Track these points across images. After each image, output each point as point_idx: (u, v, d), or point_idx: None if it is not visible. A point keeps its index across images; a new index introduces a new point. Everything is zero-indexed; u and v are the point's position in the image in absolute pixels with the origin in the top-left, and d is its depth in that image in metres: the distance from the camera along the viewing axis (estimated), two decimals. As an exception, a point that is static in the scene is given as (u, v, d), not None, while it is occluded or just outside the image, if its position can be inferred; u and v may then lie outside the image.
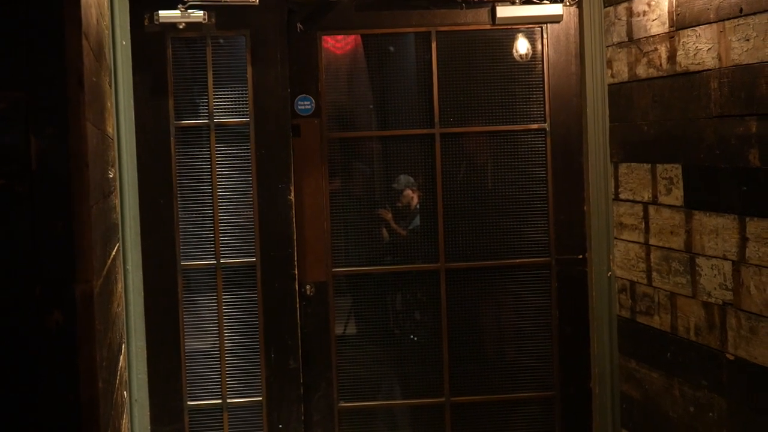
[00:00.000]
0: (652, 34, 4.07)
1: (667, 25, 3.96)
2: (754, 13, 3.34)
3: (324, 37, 4.76)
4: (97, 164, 2.37)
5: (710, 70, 3.64)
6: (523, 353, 4.89)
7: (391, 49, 4.85)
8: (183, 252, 4.65)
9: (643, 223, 4.24)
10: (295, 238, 4.67)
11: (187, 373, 4.68)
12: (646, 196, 4.19)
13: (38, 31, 1.78)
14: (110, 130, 3.43)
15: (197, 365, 4.70)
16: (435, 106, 4.75)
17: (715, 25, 3.59)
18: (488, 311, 4.89)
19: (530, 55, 4.80)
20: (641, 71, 4.20)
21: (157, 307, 4.60)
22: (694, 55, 3.74)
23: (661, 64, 4.01)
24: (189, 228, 4.67)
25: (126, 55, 4.40)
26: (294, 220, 4.67)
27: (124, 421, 3.29)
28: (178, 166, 4.64)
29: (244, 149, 4.67)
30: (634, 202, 4.31)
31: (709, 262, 3.70)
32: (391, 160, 4.84)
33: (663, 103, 4.01)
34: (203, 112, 4.65)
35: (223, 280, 4.68)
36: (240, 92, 4.66)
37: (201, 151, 4.66)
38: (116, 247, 3.41)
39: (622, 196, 4.43)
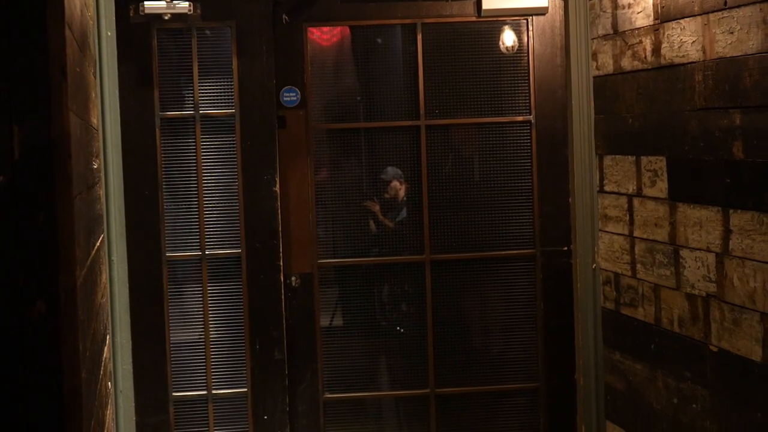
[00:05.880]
0: (637, 26, 4.08)
1: (651, 18, 3.96)
2: (738, 6, 3.35)
3: (310, 29, 4.76)
4: (81, 155, 2.37)
5: (695, 62, 3.65)
6: (509, 345, 4.91)
7: (378, 41, 4.85)
8: (168, 243, 4.65)
9: (628, 215, 4.25)
10: (280, 229, 4.67)
11: (173, 364, 4.68)
12: (631, 188, 4.21)
13: (21, 20, 1.78)
14: (95, 120, 3.42)
15: (182, 356, 4.70)
16: (421, 97, 4.76)
17: (699, 18, 3.60)
18: (474, 303, 4.91)
19: (516, 48, 4.81)
20: (626, 64, 4.21)
21: (142, 298, 4.60)
22: (679, 47, 3.75)
23: (645, 57, 4.02)
24: (174, 219, 4.67)
25: (111, 46, 4.38)
26: (279, 211, 4.67)
27: (109, 412, 3.28)
28: (164, 157, 4.63)
29: (230, 140, 4.66)
30: (618, 194, 4.33)
31: (693, 254, 3.71)
32: (377, 152, 4.85)
33: (647, 95, 4.02)
34: (189, 104, 4.64)
35: (209, 272, 4.68)
36: (226, 83, 4.66)
37: (186, 142, 4.66)
38: (101, 238, 3.40)
39: (606, 188, 4.44)
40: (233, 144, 4.66)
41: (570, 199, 4.75)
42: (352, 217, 4.87)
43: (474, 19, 4.78)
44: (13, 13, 1.77)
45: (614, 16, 4.30)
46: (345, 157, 4.87)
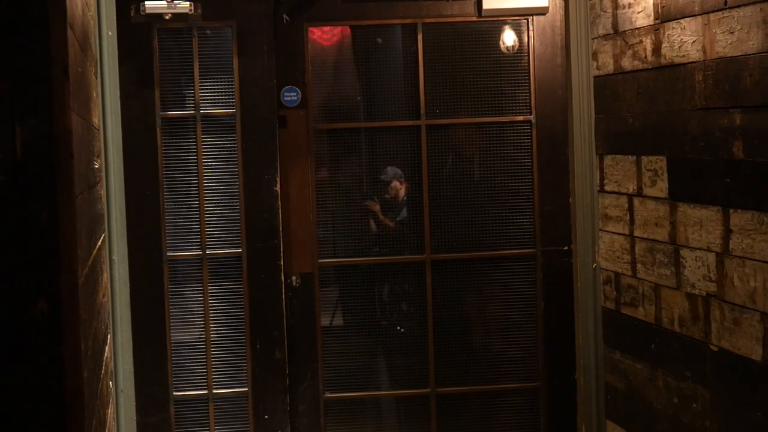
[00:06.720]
0: (638, 26, 4.09)
1: (652, 18, 3.97)
2: (738, 6, 3.35)
3: (310, 29, 4.76)
4: (83, 154, 2.37)
5: (695, 62, 3.65)
6: (509, 344, 4.90)
7: (379, 40, 4.85)
8: (169, 243, 4.65)
9: (628, 215, 4.25)
10: (281, 228, 4.68)
11: (173, 363, 4.68)
12: (631, 188, 4.21)
13: (23, 21, 1.78)
14: (96, 120, 3.43)
15: (183, 356, 4.70)
16: (421, 97, 4.76)
17: (699, 18, 3.61)
18: (474, 303, 4.91)
19: (516, 47, 4.81)
20: (626, 63, 4.21)
21: (143, 297, 4.60)
22: (679, 47, 3.75)
23: (646, 57, 4.03)
24: (175, 219, 4.67)
25: (112, 46, 4.39)
26: (280, 211, 4.67)
27: (110, 411, 3.29)
28: (165, 156, 4.63)
29: (231, 140, 4.66)
30: (618, 194, 4.33)
31: (693, 253, 3.72)
32: (378, 152, 4.85)
33: (648, 95, 4.03)
34: (189, 103, 4.64)
35: (209, 271, 4.68)
36: (226, 83, 4.66)
37: (187, 141, 4.66)
38: (102, 238, 3.41)
39: (607, 187, 4.45)
40: (234, 144, 4.66)
41: (570, 199, 4.75)
42: (352, 217, 4.87)
43: (474, 18, 4.78)
44: (15, 13, 1.78)
45: (614, 16, 4.30)
46: (345, 156, 4.87)
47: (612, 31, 4.33)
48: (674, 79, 3.81)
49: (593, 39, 4.54)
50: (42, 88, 1.79)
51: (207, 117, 4.65)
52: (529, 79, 4.79)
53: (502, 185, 4.82)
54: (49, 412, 1.81)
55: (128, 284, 4.51)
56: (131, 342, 4.52)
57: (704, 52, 3.59)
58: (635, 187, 4.17)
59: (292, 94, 4.72)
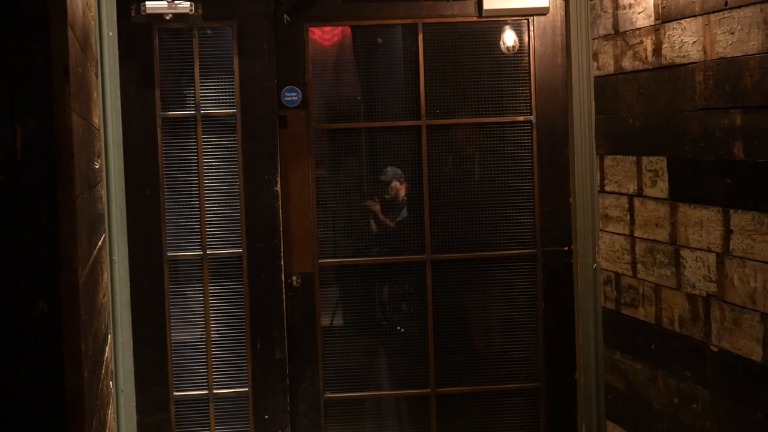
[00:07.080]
0: (638, 26, 4.09)
1: (652, 18, 3.97)
2: (739, 7, 3.35)
3: (311, 29, 4.76)
4: (83, 155, 2.37)
5: (695, 63, 3.65)
6: (509, 344, 4.90)
7: (379, 40, 4.85)
8: (169, 243, 4.65)
9: (628, 215, 4.25)
10: (281, 228, 4.68)
11: (174, 363, 4.68)
12: (632, 188, 4.21)
13: (24, 21, 1.78)
14: (96, 120, 3.43)
15: (183, 356, 4.70)
16: (422, 97, 4.76)
17: (700, 18, 3.61)
18: (474, 303, 4.91)
19: (517, 48, 4.81)
20: (627, 64, 4.21)
21: (144, 297, 4.60)
22: (680, 48, 3.75)
23: (646, 57, 4.03)
24: (175, 219, 4.67)
25: (112, 46, 4.39)
26: (280, 210, 4.67)
27: (110, 411, 3.29)
28: (165, 157, 4.63)
29: (231, 140, 4.67)
30: (619, 194, 4.33)
31: (694, 254, 3.72)
32: (378, 152, 4.85)
33: (648, 95, 4.03)
34: (190, 103, 4.65)
35: (210, 271, 4.68)
36: (227, 83, 4.66)
37: (188, 142, 4.66)
38: (102, 238, 3.41)
39: (607, 188, 4.45)
40: (234, 144, 4.66)
41: (571, 199, 4.75)
42: (352, 217, 4.87)
43: (475, 19, 4.78)
44: (16, 13, 1.78)
45: (615, 17, 4.30)
46: (346, 156, 4.87)
47: (612, 32, 4.33)
48: (675, 79, 3.81)
49: (594, 39, 4.54)
50: (42, 88, 1.79)
51: (207, 117, 4.65)
52: (530, 80, 4.79)
53: (502, 185, 4.82)
54: (49, 412, 1.81)
55: (128, 284, 4.51)
56: (131, 342, 4.52)
57: (705, 53, 3.59)
58: (635, 188, 4.17)
59: (292, 94, 4.72)
